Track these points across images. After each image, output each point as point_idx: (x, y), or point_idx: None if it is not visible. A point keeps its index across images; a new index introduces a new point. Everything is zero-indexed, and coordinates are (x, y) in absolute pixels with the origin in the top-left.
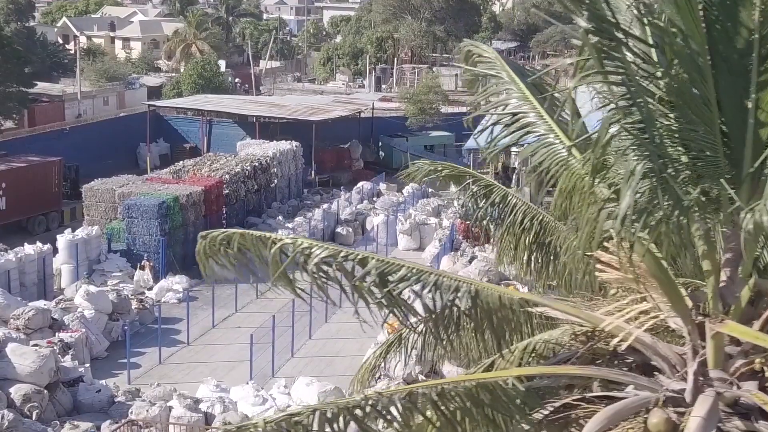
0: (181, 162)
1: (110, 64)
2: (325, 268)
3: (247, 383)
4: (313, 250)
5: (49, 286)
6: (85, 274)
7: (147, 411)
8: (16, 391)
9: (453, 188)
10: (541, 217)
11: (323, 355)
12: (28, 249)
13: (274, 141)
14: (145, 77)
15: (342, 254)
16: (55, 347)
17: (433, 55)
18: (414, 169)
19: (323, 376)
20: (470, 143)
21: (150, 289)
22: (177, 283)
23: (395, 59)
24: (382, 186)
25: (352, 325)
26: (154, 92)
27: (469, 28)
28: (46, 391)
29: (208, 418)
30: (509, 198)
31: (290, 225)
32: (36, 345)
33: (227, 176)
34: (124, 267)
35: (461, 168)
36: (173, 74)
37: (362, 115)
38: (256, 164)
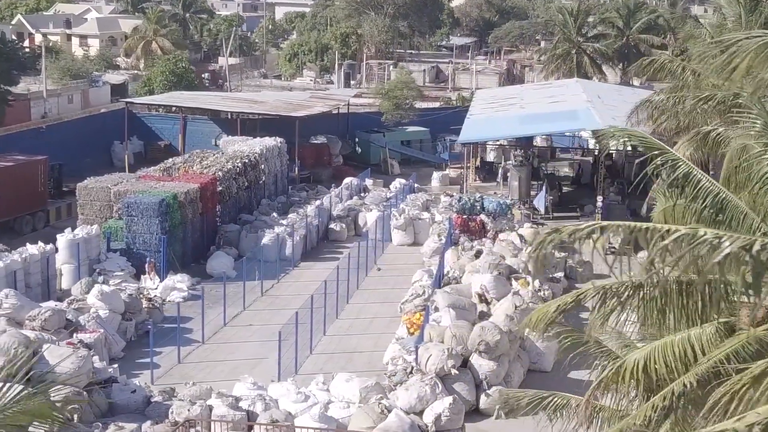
0: (171, 159)
1: (74, 62)
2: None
3: (273, 381)
4: (722, 241)
5: (52, 287)
6: (97, 273)
7: (188, 410)
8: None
9: (434, 183)
10: (723, 196)
11: (341, 351)
12: (32, 249)
13: (258, 137)
14: (108, 75)
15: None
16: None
17: (398, 51)
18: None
19: (346, 372)
20: (463, 137)
21: (154, 288)
22: (179, 281)
23: (364, 55)
24: (369, 182)
25: (362, 321)
26: (117, 90)
27: (432, 24)
28: (85, 393)
29: (250, 416)
30: (694, 173)
31: (284, 221)
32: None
33: (220, 173)
34: (124, 266)
35: (649, 139)
36: (136, 72)
37: (339, 110)
38: (246, 161)
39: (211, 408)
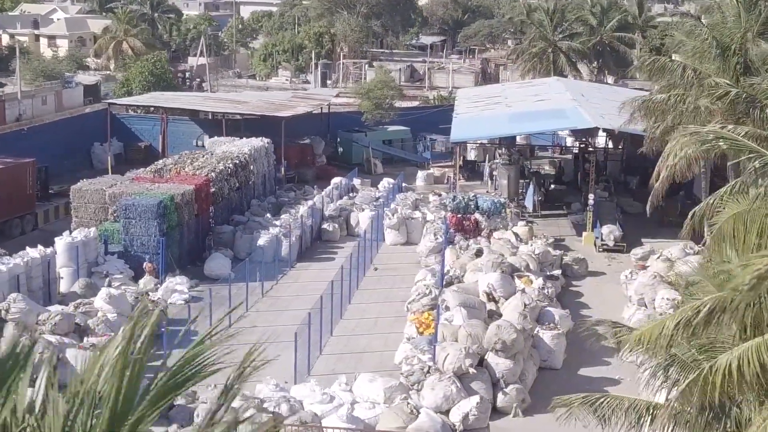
0: (162, 161)
1: (47, 63)
2: None
3: (286, 382)
4: None
5: (53, 290)
6: (103, 275)
7: None
8: None
9: (419, 182)
10: None
11: (350, 351)
12: (33, 253)
13: (244, 138)
14: (80, 75)
15: None
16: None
17: (372, 50)
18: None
19: (369, 372)
20: (455, 136)
21: (155, 290)
22: (179, 283)
23: (340, 55)
24: (357, 181)
25: (367, 321)
26: (90, 90)
27: (405, 23)
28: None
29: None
30: None
31: (278, 222)
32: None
33: (212, 174)
34: (123, 269)
35: (742, 141)
36: (108, 72)
37: (322, 110)
38: (236, 162)
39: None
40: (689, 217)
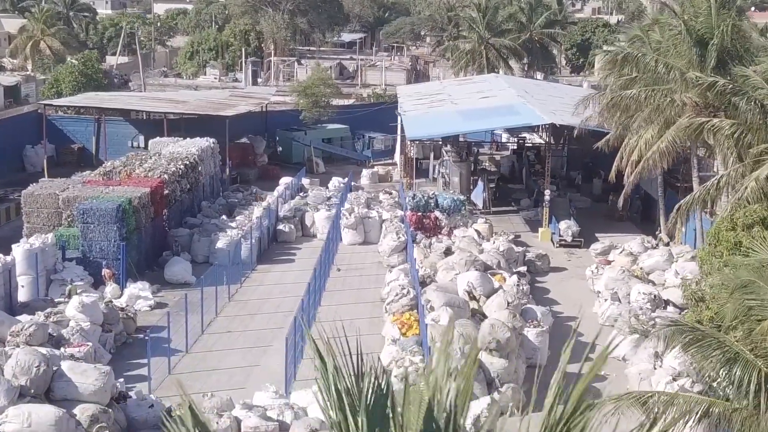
0: (110, 162)
1: None
2: None
3: (269, 387)
4: None
5: (15, 300)
6: (69, 281)
7: (217, 423)
8: (82, 412)
9: (364, 180)
10: None
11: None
12: None
13: (188, 138)
14: None
15: None
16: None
17: (299, 48)
18: None
19: None
20: (411, 134)
21: (118, 297)
22: (143, 289)
23: (272, 53)
24: (305, 181)
25: (344, 324)
26: (10, 92)
27: (332, 20)
28: (111, 410)
29: (282, 426)
30: None
31: (234, 224)
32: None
33: (165, 176)
34: (82, 275)
35: None
36: (27, 73)
37: (262, 109)
38: (187, 163)
39: (238, 420)
40: (674, 210)
